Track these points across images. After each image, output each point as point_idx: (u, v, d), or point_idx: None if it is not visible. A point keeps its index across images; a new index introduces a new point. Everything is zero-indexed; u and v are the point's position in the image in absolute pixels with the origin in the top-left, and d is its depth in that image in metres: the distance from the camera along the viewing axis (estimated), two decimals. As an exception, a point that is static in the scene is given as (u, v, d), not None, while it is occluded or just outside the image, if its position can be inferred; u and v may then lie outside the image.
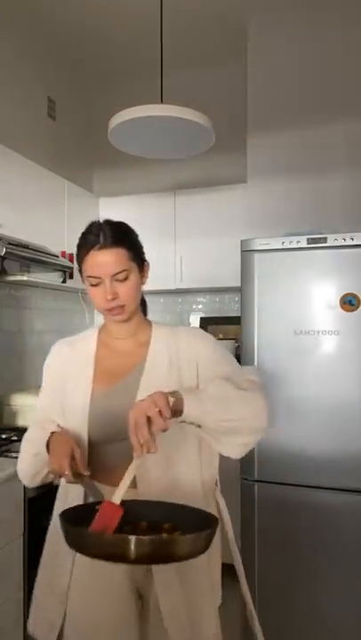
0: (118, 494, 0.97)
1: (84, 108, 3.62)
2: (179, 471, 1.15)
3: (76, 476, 1.06)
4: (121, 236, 1.17)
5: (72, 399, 1.21)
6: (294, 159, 2.77)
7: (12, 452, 2.07)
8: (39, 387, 1.31)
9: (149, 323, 1.29)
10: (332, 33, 2.71)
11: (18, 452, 2.04)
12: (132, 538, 0.83)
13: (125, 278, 1.15)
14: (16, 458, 1.96)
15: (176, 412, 0.99)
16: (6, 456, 2.02)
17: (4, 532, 1.81)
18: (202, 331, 1.31)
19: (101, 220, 1.20)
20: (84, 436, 1.16)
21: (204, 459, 1.20)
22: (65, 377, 1.24)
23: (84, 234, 1.18)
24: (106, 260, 1.14)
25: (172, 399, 0.98)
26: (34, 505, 1.93)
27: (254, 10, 2.80)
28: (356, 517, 2.05)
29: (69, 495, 1.20)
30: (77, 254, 1.19)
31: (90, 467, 1.12)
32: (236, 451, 1.10)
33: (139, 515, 1.01)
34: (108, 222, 1.19)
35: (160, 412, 0.95)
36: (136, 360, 1.21)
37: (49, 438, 1.15)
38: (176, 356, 1.19)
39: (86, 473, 1.07)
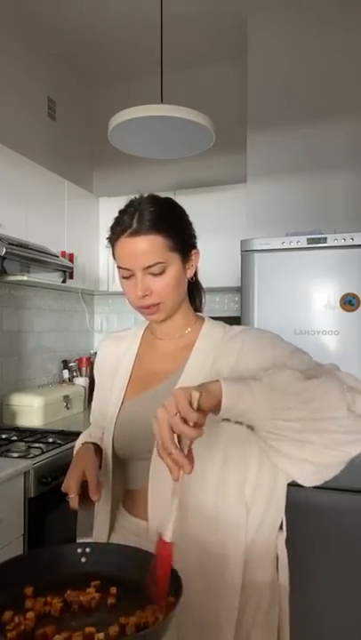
0: (168, 531, 0.74)
1: (84, 107, 3.62)
2: (201, 493, 0.90)
3: (85, 502, 0.91)
4: (160, 220, 0.94)
5: (106, 405, 1.06)
6: (294, 159, 2.76)
7: (12, 451, 2.07)
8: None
9: (202, 320, 1.07)
10: (333, 32, 2.71)
11: (18, 451, 2.07)
12: None
13: (161, 272, 0.95)
14: (16, 458, 1.99)
15: (212, 407, 0.76)
16: (6, 456, 2.02)
17: (4, 532, 1.81)
18: (267, 333, 1.00)
19: (145, 195, 1.00)
20: (109, 449, 1.01)
21: (252, 481, 0.92)
22: (107, 378, 1.10)
23: (120, 212, 0.98)
24: (138, 249, 0.93)
25: (196, 394, 0.73)
26: (34, 505, 1.93)
27: (254, 9, 2.80)
28: (356, 517, 2.05)
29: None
30: (109, 237, 0.99)
31: (114, 486, 1.01)
32: (305, 472, 0.81)
33: (109, 574, 0.80)
34: (150, 200, 0.98)
35: (183, 417, 0.72)
36: (176, 365, 1.00)
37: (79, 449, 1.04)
38: (219, 364, 0.96)
39: (94, 498, 0.90)
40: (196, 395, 0.73)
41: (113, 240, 0.98)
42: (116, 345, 1.12)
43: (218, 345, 0.99)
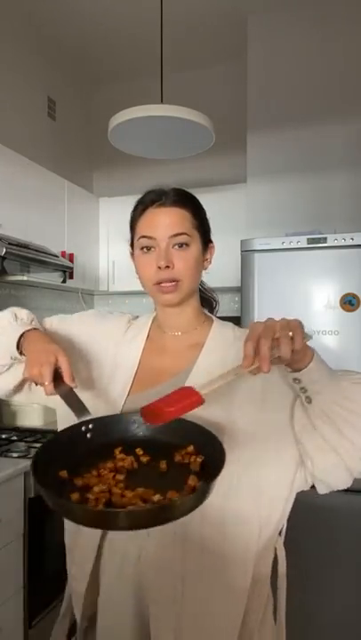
0: (209, 387, 0.77)
1: (84, 108, 3.62)
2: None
3: (59, 387, 0.86)
4: (187, 198, 0.98)
5: (103, 398, 0.98)
6: (294, 159, 2.77)
7: (12, 451, 2.07)
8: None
9: (210, 320, 1.04)
10: (333, 32, 2.71)
11: (18, 451, 2.07)
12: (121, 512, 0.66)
13: (186, 244, 0.94)
14: (16, 458, 1.99)
15: (300, 359, 0.79)
16: (6, 456, 2.02)
17: (4, 532, 1.81)
18: None
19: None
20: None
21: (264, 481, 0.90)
22: (105, 356, 1.02)
23: (144, 193, 0.98)
24: (165, 218, 0.93)
25: (309, 337, 0.78)
26: (34, 505, 1.94)
27: (254, 9, 2.80)
28: (357, 517, 2.05)
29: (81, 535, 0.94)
30: (132, 216, 0.99)
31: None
32: (327, 461, 0.85)
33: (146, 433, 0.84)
34: (175, 188, 1.00)
35: (293, 338, 0.75)
36: (183, 365, 0.96)
37: (22, 335, 0.92)
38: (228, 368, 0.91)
39: (73, 385, 0.86)
40: (308, 336, 0.78)
41: (137, 215, 0.97)
42: (125, 327, 1.06)
43: (227, 347, 0.96)
